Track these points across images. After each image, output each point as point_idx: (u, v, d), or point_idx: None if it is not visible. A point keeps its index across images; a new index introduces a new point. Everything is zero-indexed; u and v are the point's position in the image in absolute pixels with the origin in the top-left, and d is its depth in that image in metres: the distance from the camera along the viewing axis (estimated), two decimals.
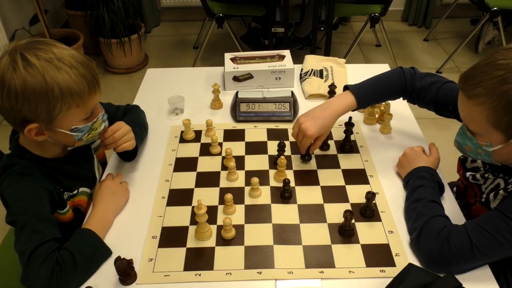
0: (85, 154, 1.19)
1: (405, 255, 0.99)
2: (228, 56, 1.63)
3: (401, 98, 1.28)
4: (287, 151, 1.29)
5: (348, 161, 1.26)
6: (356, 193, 1.15)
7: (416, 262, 0.97)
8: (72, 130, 0.99)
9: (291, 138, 1.35)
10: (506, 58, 0.85)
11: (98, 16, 2.87)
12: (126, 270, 0.93)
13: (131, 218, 1.11)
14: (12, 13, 2.89)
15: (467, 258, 0.93)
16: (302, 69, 1.67)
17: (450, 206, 1.10)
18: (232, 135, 1.37)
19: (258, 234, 1.05)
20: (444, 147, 1.38)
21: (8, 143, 1.08)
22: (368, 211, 1.09)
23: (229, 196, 1.09)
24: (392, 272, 0.93)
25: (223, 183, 1.20)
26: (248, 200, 1.14)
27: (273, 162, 1.25)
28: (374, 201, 1.10)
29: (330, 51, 2.89)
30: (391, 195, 1.15)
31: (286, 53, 1.63)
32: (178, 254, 1.01)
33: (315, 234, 1.05)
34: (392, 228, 1.06)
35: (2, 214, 1.00)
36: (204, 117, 1.41)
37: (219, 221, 1.08)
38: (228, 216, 1.05)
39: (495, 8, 2.84)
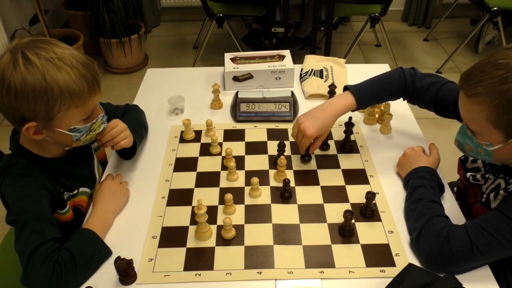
0: (85, 154, 1.19)
1: (405, 255, 0.99)
2: (228, 56, 1.63)
3: (401, 99, 1.28)
4: (287, 151, 1.29)
5: (348, 161, 1.26)
6: (356, 193, 1.15)
7: (416, 262, 0.97)
8: (71, 130, 0.99)
9: (291, 138, 1.35)
10: (507, 57, 0.86)
11: (98, 16, 2.87)
12: (126, 270, 0.93)
13: (131, 218, 1.11)
14: (12, 13, 2.89)
15: (467, 258, 0.93)
16: (302, 69, 1.67)
17: (450, 206, 1.10)
18: (232, 135, 1.37)
19: (258, 234, 1.05)
20: (444, 147, 1.38)
21: (8, 143, 1.08)
22: (368, 211, 1.09)
23: (229, 196, 1.09)
24: (392, 272, 0.93)
25: (223, 183, 1.20)
26: (248, 200, 1.14)
27: (273, 162, 1.25)
28: (374, 201, 1.10)
29: (330, 51, 2.90)
30: (391, 195, 1.15)
31: (286, 53, 1.63)
32: (178, 254, 1.01)
33: (315, 234, 1.05)
34: (392, 228, 1.06)
35: (2, 214, 1.00)
36: (204, 117, 1.41)
37: (219, 221, 1.08)
38: (228, 216, 1.05)
39: (495, 8, 2.84)
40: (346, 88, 1.23)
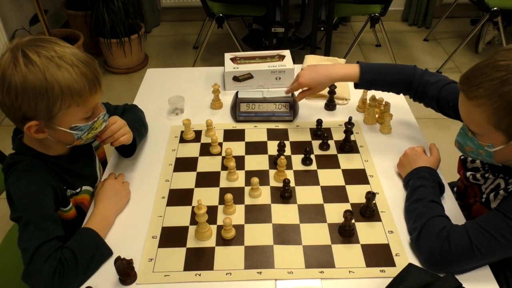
0: (87, 152, 1.19)
1: (405, 255, 0.99)
2: (228, 56, 1.63)
3: (408, 97, 1.28)
4: (287, 151, 1.29)
5: (348, 161, 1.26)
6: (356, 193, 1.15)
7: (416, 262, 0.97)
8: (72, 129, 0.99)
9: (291, 138, 1.35)
10: (507, 59, 0.85)
11: (98, 16, 2.87)
12: (126, 270, 0.93)
13: (131, 218, 1.11)
14: (12, 13, 2.89)
15: (467, 258, 0.93)
16: (302, 69, 1.66)
17: (450, 206, 1.10)
18: (232, 135, 1.37)
19: (258, 234, 1.05)
20: (444, 147, 1.38)
21: (9, 143, 1.08)
22: (368, 211, 1.09)
23: (229, 196, 1.09)
24: (392, 272, 0.93)
25: (223, 183, 1.20)
26: (248, 200, 1.14)
27: (273, 162, 1.25)
28: (374, 201, 1.10)
29: (330, 51, 2.90)
30: (391, 195, 1.15)
31: (286, 53, 1.63)
32: (178, 254, 1.01)
33: (315, 234, 1.05)
34: (392, 228, 1.06)
35: (2, 213, 1.00)
36: (204, 117, 1.41)
37: (219, 221, 1.08)
38: (228, 216, 1.05)
39: (495, 8, 2.83)
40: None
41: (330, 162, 1.26)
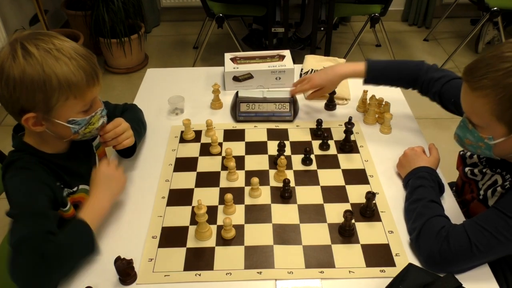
0: (86, 151, 1.19)
1: (405, 255, 0.99)
2: (228, 56, 1.63)
3: (405, 97, 1.29)
4: (287, 151, 1.29)
5: (348, 161, 1.26)
6: (356, 193, 1.15)
7: (416, 262, 0.97)
8: (69, 122, 0.99)
9: (291, 138, 1.35)
10: None
11: (98, 16, 2.87)
12: (126, 270, 0.93)
13: (131, 218, 1.11)
14: (12, 13, 2.89)
15: (467, 257, 0.93)
16: (302, 69, 1.67)
17: (450, 206, 1.10)
18: (232, 135, 1.37)
19: (258, 234, 1.05)
20: (444, 147, 1.38)
21: (9, 143, 1.08)
22: (368, 211, 1.09)
23: (229, 196, 1.09)
24: (392, 272, 0.93)
25: (223, 183, 1.20)
26: (248, 200, 1.14)
27: (273, 162, 1.25)
28: (374, 201, 1.10)
29: (330, 51, 2.90)
30: (391, 195, 1.15)
31: (286, 53, 1.63)
32: (178, 254, 1.01)
33: (315, 234, 1.05)
34: (392, 228, 1.06)
35: (2, 213, 1.00)
36: (204, 117, 1.41)
37: (219, 221, 1.08)
38: (228, 216, 1.05)
39: (495, 8, 2.84)
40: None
41: (330, 162, 1.26)
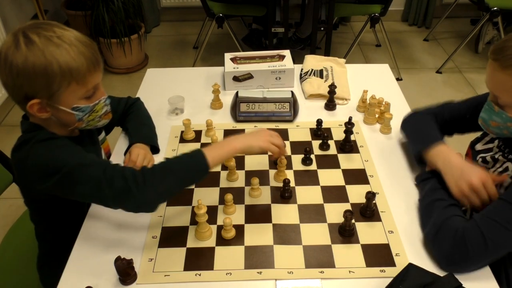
0: (92, 142, 1.21)
1: (405, 255, 0.99)
2: (228, 56, 1.63)
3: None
4: (287, 151, 1.29)
5: (348, 161, 1.26)
6: (356, 193, 1.15)
7: (417, 262, 0.97)
8: (74, 109, 1.01)
9: (291, 138, 1.35)
10: None
11: (98, 16, 2.87)
12: (126, 270, 0.93)
13: (131, 218, 1.11)
14: (12, 13, 2.89)
15: (482, 253, 0.92)
16: (302, 69, 1.67)
17: None
18: (232, 135, 1.37)
19: (258, 234, 1.05)
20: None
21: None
22: (368, 211, 1.09)
23: (229, 196, 1.09)
24: (392, 272, 0.93)
25: (223, 183, 1.20)
26: (248, 200, 1.14)
27: (273, 162, 1.25)
28: (374, 201, 1.10)
29: (330, 51, 2.90)
30: (391, 195, 1.15)
31: (286, 53, 1.63)
32: (178, 254, 1.01)
33: (315, 234, 1.05)
34: (392, 228, 1.06)
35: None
36: (204, 117, 1.41)
37: (219, 221, 1.08)
38: (228, 216, 1.05)
39: (495, 8, 2.84)
40: (431, 142, 1.14)
41: (330, 162, 1.26)
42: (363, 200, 1.09)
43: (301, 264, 0.98)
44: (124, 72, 3.21)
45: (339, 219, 1.05)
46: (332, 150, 1.31)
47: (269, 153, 1.27)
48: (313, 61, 1.71)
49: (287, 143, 1.32)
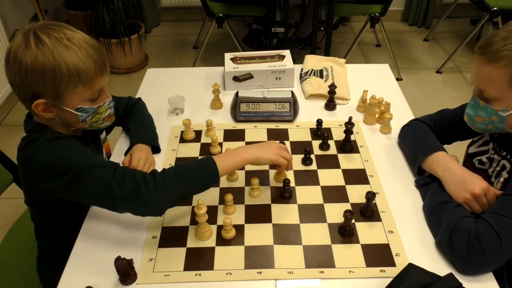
0: (95, 142, 1.21)
1: (405, 255, 0.99)
2: (228, 56, 1.63)
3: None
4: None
5: (348, 161, 1.26)
6: (356, 193, 1.15)
7: (416, 263, 0.97)
8: (78, 110, 1.02)
9: (291, 138, 1.35)
10: None
11: (98, 16, 2.87)
12: (126, 270, 0.93)
13: (131, 218, 1.10)
14: (12, 13, 2.89)
15: (498, 250, 0.92)
16: (302, 69, 1.67)
17: None
18: (232, 135, 1.37)
19: (258, 234, 1.05)
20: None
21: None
22: (368, 211, 1.09)
23: (229, 197, 1.09)
24: (392, 272, 0.93)
25: (223, 183, 1.20)
26: (248, 200, 1.14)
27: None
28: (374, 201, 1.10)
29: (330, 51, 2.90)
30: (391, 195, 1.15)
31: (286, 53, 1.63)
32: (178, 254, 1.01)
33: (315, 234, 1.05)
34: (392, 228, 1.06)
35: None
36: (204, 117, 1.41)
37: (219, 221, 1.08)
38: (228, 216, 1.05)
39: (495, 8, 2.84)
40: (430, 151, 1.15)
41: (330, 162, 1.26)
42: (363, 200, 1.09)
43: (301, 264, 0.98)
44: (124, 72, 3.21)
45: (339, 219, 1.05)
46: (332, 150, 1.31)
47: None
48: (313, 61, 1.71)
49: (287, 143, 1.32)
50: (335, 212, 1.10)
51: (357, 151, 1.30)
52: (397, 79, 3.03)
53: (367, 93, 1.45)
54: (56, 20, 1.05)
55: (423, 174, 1.17)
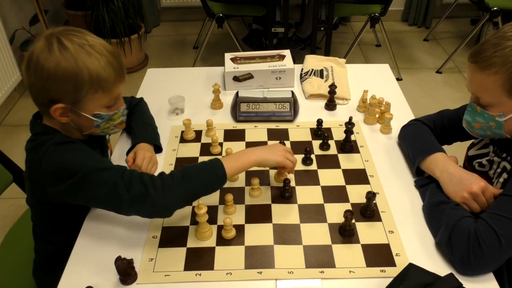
0: (100, 142, 1.21)
1: (405, 255, 0.99)
2: (228, 56, 1.63)
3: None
4: None
5: (348, 161, 1.26)
6: (356, 193, 1.15)
7: (416, 263, 0.97)
8: (94, 116, 1.03)
9: (291, 138, 1.35)
10: None
11: (98, 16, 2.87)
12: (126, 270, 0.93)
13: (131, 218, 1.10)
14: (12, 13, 2.89)
15: (497, 251, 0.92)
16: (302, 69, 1.67)
17: None
18: (232, 135, 1.37)
19: (258, 234, 1.05)
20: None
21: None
22: (368, 211, 1.09)
23: (229, 197, 1.09)
24: (392, 272, 0.93)
25: None
26: (248, 200, 1.14)
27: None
28: (374, 201, 1.10)
29: (330, 51, 2.90)
30: (392, 195, 1.15)
31: (286, 53, 1.63)
32: (178, 254, 1.01)
33: (315, 234, 1.05)
34: (393, 228, 1.06)
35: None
36: (205, 117, 1.41)
37: (220, 221, 1.08)
38: (228, 216, 1.05)
39: (495, 8, 2.84)
40: (429, 152, 1.15)
41: (330, 162, 1.26)
42: (363, 200, 1.09)
43: (301, 264, 0.98)
44: None
45: (339, 219, 1.05)
46: (332, 150, 1.31)
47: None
48: (313, 61, 1.71)
49: (287, 143, 1.32)
50: (335, 212, 1.10)
51: (357, 151, 1.30)
52: (397, 79, 3.04)
53: (367, 93, 1.45)
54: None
55: (421, 174, 1.17)
